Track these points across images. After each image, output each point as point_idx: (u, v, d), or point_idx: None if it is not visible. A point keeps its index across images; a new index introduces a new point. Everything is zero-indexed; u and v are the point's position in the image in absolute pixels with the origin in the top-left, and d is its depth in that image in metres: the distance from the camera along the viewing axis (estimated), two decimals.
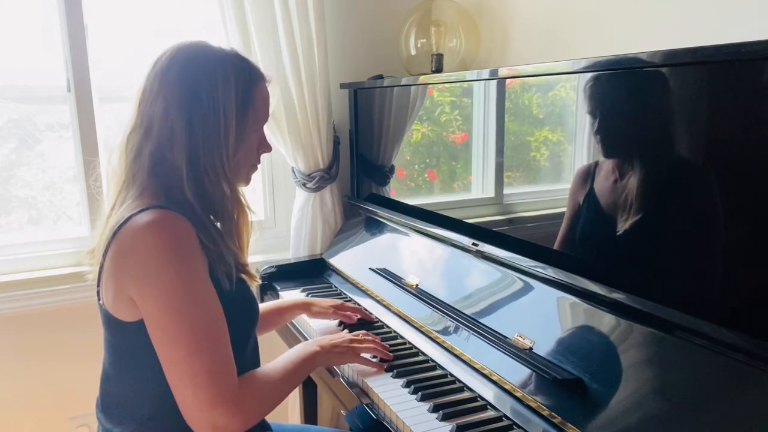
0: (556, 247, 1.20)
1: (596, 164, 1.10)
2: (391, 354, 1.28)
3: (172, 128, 0.99)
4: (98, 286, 1.03)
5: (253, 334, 1.13)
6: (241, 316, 1.04)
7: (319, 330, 1.48)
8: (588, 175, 1.12)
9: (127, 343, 1.02)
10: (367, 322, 1.48)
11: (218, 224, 1.07)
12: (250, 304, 1.13)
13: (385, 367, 1.24)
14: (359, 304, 1.57)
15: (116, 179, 1.04)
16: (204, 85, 1.00)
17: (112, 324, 1.01)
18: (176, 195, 1.01)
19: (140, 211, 0.96)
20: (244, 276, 1.11)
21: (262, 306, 1.42)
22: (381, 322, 1.49)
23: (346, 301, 1.61)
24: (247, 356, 1.09)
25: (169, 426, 1.02)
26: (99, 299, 1.03)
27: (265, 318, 1.39)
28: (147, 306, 0.94)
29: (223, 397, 0.92)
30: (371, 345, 1.26)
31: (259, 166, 1.15)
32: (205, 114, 1.00)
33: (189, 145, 1.00)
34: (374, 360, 1.25)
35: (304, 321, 1.55)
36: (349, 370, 1.27)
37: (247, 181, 1.13)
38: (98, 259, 1.00)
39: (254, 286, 1.15)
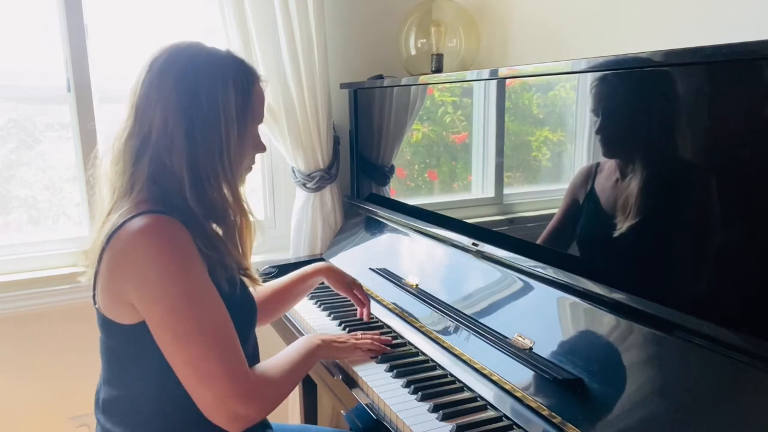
0: (547, 244, 1.20)
1: (597, 164, 1.10)
2: (389, 348, 1.31)
3: (172, 135, 0.98)
4: (94, 290, 1.02)
5: (252, 335, 1.14)
6: (239, 318, 1.04)
7: (317, 329, 1.49)
8: (588, 175, 1.12)
9: (124, 346, 1.02)
10: (366, 323, 1.49)
11: (220, 230, 1.07)
12: (249, 305, 1.13)
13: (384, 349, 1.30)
14: None
15: (112, 185, 1.03)
16: (203, 90, 0.99)
17: (108, 327, 1.01)
18: (175, 200, 1.00)
19: (134, 216, 0.95)
20: (245, 279, 1.12)
21: (281, 281, 1.44)
22: (381, 322, 1.49)
23: (346, 300, 1.61)
24: (247, 356, 1.09)
25: (169, 426, 1.02)
26: (95, 303, 1.03)
27: (289, 290, 1.42)
28: (151, 311, 0.94)
29: (240, 389, 0.95)
30: (369, 341, 1.30)
31: (254, 166, 1.14)
32: (205, 120, 0.99)
33: (189, 153, 0.99)
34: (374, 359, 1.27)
35: (303, 320, 1.55)
36: (349, 369, 1.27)
37: (244, 182, 1.12)
38: (93, 264, 1.00)
39: (256, 288, 1.16)
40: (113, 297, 0.97)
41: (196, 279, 0.96)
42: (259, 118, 1.10)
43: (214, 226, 1.06)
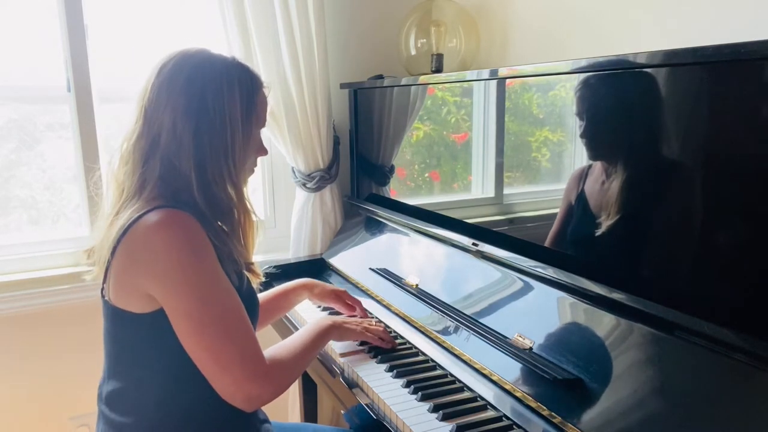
0: (553, 246, 1.20)
1: (595, 164, 1.10)
2: (395, 342, 1.34)
3: (180, 138, 1.03)
4: (103, 283, 1.05)
5: (254, 328, 1.16)
6: (247, 310, 1.07)
7: None
8: (586, 175, 1.12)
9: (135, 335, 1.04)
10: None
11: (225, 227, 1.10)
12: (254, 299, 1.17)
13: (390, 346, 1.33)
14: None
15: (119, 186, 1.07)
16: (211, 95, 1.03)
17: (118, 317, 1.04)
18: (184, 197, 1.04)
19: (148, 211, 0.99)
20: (249, 273, 1.16)
21: (266, 294, 1.47)
22: (381, 322, 1.49)
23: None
24: None
25: (175, 415, 1.05)
26: (103, 296, 1.05)
27: (272, 303, 1.45)
28: (171, 301, 0.98)
29: (256, 372, 1.00)
30: (382, 330, 1.34)
31: (256, 168, 1.19)
32: (212, 123, 1.03)
33: (197, 154, 1.03)
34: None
35: (302, 320, 1.55)
36: (349, 369, 1.27)
37: (246, 184, 1.17)
38: (104, 258, 1.03)
39: (257, 282, 1.21)
40: (128, 289, 1.01)
41: (213, 269, 1.00)
42: (262, 123, 1.14)
43: (219, 224, 1.10)
